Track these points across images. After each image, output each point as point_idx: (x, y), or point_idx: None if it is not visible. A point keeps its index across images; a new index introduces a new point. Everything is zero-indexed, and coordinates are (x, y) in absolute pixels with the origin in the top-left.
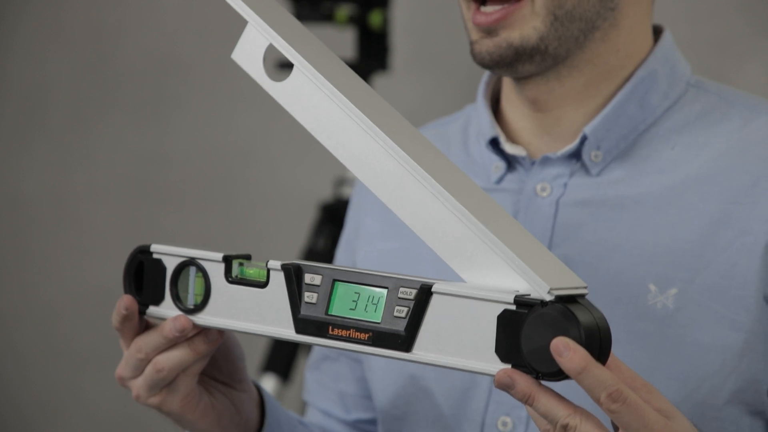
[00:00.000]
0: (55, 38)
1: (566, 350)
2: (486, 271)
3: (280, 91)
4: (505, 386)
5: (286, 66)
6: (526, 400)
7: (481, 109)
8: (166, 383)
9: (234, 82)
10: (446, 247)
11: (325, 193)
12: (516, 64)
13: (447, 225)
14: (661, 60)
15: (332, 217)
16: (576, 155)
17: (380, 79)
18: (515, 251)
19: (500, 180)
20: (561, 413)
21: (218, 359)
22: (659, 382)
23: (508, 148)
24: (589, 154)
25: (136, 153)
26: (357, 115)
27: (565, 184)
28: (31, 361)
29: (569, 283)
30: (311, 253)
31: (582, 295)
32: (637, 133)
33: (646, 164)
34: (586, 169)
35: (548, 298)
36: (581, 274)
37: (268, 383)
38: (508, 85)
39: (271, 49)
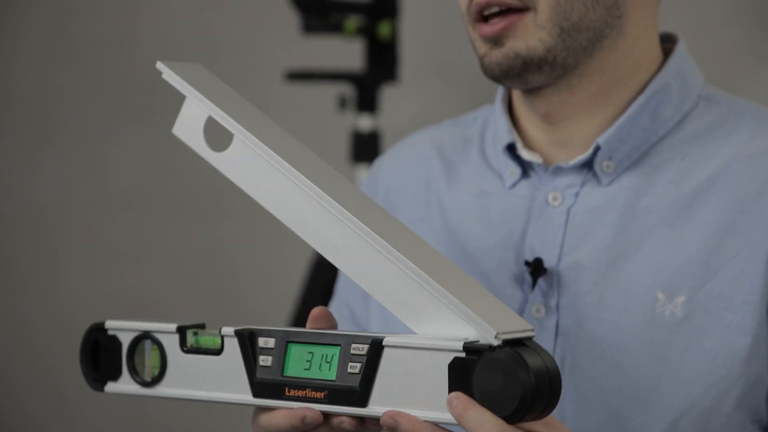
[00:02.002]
0: (65, 48)
1: (455, 399)
2: (434, 322)
3: (221, 161)
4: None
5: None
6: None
7: (498, 114)
8: None
9: (244, 92)
10: (394, 300)
11: None
12: (525, 75)
13: (392, 278)
14: (673, 72)
15: None
16: (588, 165)
17: (388, 90)
18: (460, 299)
19: (514, 185)
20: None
21: None
22: (667, 388)
23: (525, 154)
24: (601, 164)
25: (146, 163)
26: (299, 178)
27: (577, 194)
28: (41, 369)
29: (516, 326)
30: (321, 263)
31: (529, 338)
32: (649, 144)
33: (656, 175)
34: (597, 179)
35: (496, 342)
36: (591, 281)
37: None
38: (517, 98)
39: (211, 121)
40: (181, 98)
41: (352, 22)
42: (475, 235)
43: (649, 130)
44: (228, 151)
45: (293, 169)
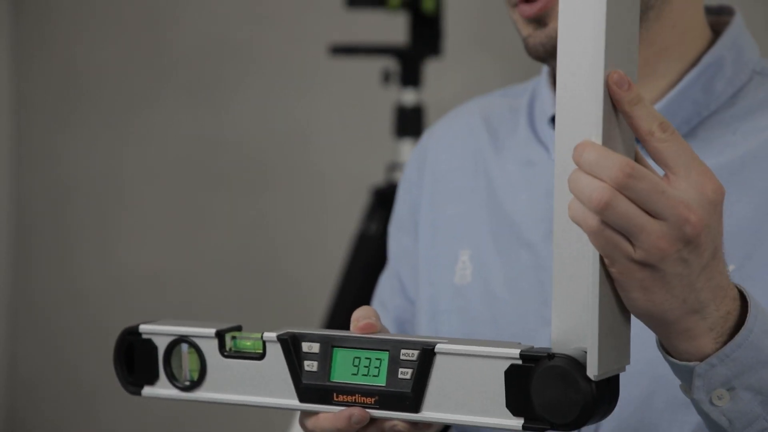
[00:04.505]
0: (110, 20)
1: (624, 82)
2: (569, 325)
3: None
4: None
5: None
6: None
7: (543, 86)
8: None
9: (288, 67)
10: (564, 292)
11: (377, 177)
12: None
13: (581, 280)
14: (728, 46)
15: (384, 202)
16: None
17: (432, 64)
18: (599, 325)
19: None
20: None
21: None
22: None
23: None
24: None
25: (188, 137)
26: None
27: None
28: (84, 344)
29: (617, 363)
30: (364, 238)
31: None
32: (700, 118)
33: (706, 148)
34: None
35: (593, 379)
36: None
37: None
38: None
39: None
40: (226, 71)
41: None
42: (521, 205)
43: (700, 104)
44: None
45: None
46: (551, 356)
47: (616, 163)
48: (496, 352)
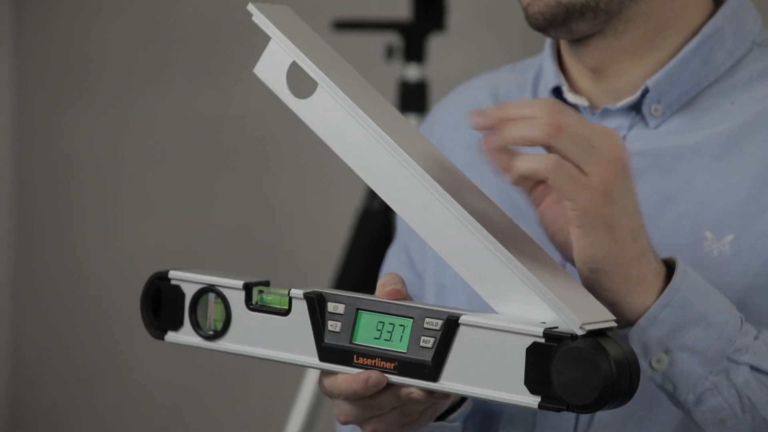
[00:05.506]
0: (113, 0)
1: (479, 115)
2: (517, 302)
3: (303, 108)
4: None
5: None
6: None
7: (546, 59)
8: None
9: None
10: (477, 276)
11: None
12: (569, 23)
13: (477, 255)
14: (729, 17)
15: None
16: (636, 108)
17: (436, 39)
18: (547, 285)
19: None
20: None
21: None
22: None
23: (570, 97)
24: (649, 107)
25: (193, 116)
26: (383, 137)
27: (624, 137)
28: (86, 325)
29: (599, 316)
30: (367, 213)
31: (611, 328)
32: (699, 89)
33: (704, 117)
34: (645, 122)
35: (580, 332)
36: None
37: None
38: (565, 49)
39: (295, 67)
40: (230, 50)
41: None
42: None
43: (700, 74)
44: (310, 99)
45: (378, 127)
46: (574, 337)
47: (541, 101)
48: (520, 329)
